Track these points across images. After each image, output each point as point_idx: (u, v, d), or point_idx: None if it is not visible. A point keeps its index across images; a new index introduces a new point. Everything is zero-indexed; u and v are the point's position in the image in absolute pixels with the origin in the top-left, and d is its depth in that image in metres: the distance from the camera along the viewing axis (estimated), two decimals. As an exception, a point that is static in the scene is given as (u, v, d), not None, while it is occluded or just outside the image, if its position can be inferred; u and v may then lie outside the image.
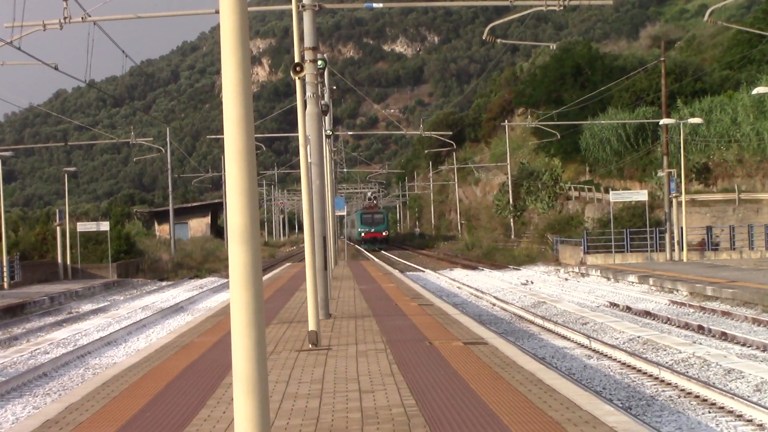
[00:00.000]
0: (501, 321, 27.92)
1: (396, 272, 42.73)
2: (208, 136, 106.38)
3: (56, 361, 22.29)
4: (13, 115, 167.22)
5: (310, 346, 16.83)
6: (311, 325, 16.92)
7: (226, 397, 12.03)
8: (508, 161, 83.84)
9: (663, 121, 49.38)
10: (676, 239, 49.08)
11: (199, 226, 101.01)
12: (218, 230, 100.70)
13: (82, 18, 21.82)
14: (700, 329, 23.66)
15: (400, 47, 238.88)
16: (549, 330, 25.25)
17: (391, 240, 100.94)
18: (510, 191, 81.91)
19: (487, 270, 54.09)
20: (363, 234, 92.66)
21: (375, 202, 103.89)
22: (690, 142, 60.98)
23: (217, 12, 5.07)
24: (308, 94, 20.28)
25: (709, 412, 14.30)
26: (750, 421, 13.41)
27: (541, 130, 76.25)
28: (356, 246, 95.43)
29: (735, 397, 14.45)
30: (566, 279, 45.06)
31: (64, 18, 21.42)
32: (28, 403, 17.41)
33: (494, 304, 33.51)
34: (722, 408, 14.33)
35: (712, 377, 16.94)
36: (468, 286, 42.04)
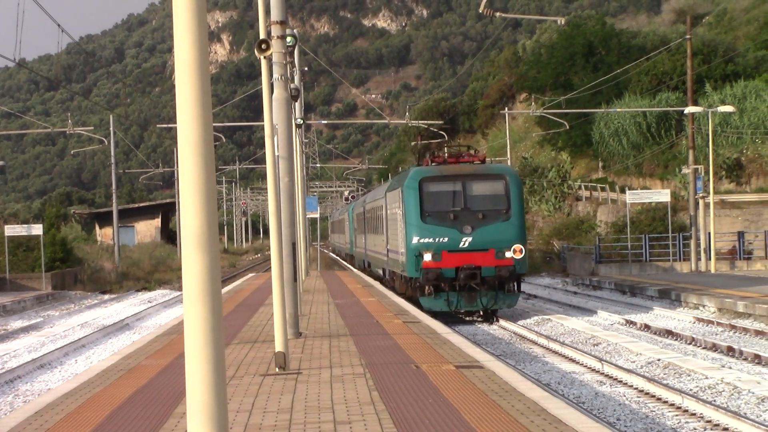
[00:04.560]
0: (499, 341, 28.20)
1: (377, 284, 43.04)
2: (158, 125, 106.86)
3: None
4: None
5: (277, 369, 17.01)
6: (278, 346, 17.05)
7: (179, 429, 12.18)
8: (509, 155, 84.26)
9: (689, 110, 49.82)
10: (702, 247, 49.51)
11: (147, 230, 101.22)
12: (170, 235, 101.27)
13: None
14: (730, 351, 23.95)
15: (382, 22, 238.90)
16: (555, 352, 25.53)
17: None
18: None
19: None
20: (428, 257, 31.34)
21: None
22: (720, 133, 61.54)
23: None
24: (275, 76, 20.44)
25: (739, 447, 14.48)
26: (786, 457, 13.58)
27: (547, 119, 76.72)
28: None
29: (769, 430, 14.64)
30: (575, 293, 45.39)
31: None
32: None
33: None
34: (754, 442, 14.52)
35: (743, 406, 17.19)
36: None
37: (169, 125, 73.03)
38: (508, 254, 29.52)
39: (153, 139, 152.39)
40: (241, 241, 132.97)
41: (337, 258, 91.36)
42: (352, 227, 66.22)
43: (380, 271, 45.68)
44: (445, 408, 13.14)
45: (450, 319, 31.70)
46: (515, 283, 30.86)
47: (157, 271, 71.67)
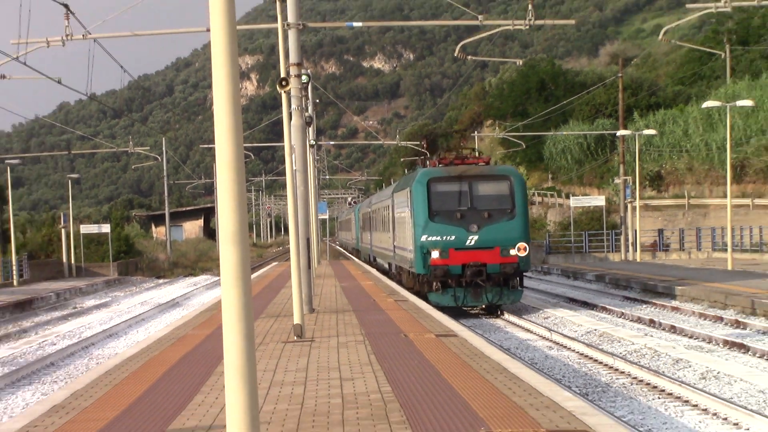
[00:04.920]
0: (469, 315, 28.06)
1: (374, 271, 42.67)
2: (200, 146, 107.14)
3: (62, 352, 22.37)
4: (20, 126, 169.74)
5: (295, 338, 16.77)
6: (296, 319, 16.89)
7: (219, 384, 12.06)
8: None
9: (620, 133, 49.82)
10: (630, 241, 49.46)
11: (192, 228, 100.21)
12: (210, 232, 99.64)
13: (83, 35, 21.83)
14: (652, 323, 23.90)
15: (378, 63, 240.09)
16: (513, 324, 25.42)
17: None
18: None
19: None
20: (436, 254, 26.22)
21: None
22: (644, 151, 61.50)
23: (208, 30, 5.04)
24: (293, 106, 20.19)
25: (659, 398, 14.50)
26: (696, 406, 13.61)
27: (508, 140, 76.64)
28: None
29: (683, 385, 14.66)
30: (530, 277, 45.38)
31: (66, 35, 21.47)
32: (37, 390, 17.49)
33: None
34: (671, 394, 14.53)
35: (662, 366, 17.15)
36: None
37: (209, 145, 72.58)
38: (513, 252, 25.33)
39: (196, 156, 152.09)
40: (267, 237, 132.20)
41: (343, 251, 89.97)
42: (358, 225, 62.53)
43: (386, 265, 40.17)
44: (427, 367, 13.05)
45: (455, 312, 26.44)
46: (519, 280, 26.43)
47: (200, 260, 70.86)
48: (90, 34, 22.17)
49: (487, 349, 14.92)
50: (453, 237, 25.53)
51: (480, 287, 25.48)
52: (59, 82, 27.04)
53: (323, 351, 15.26)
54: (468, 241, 25.44)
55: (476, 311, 28.40)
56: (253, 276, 40.67)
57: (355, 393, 11.25)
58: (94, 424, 9.95)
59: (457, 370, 12.75)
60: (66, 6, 20.22)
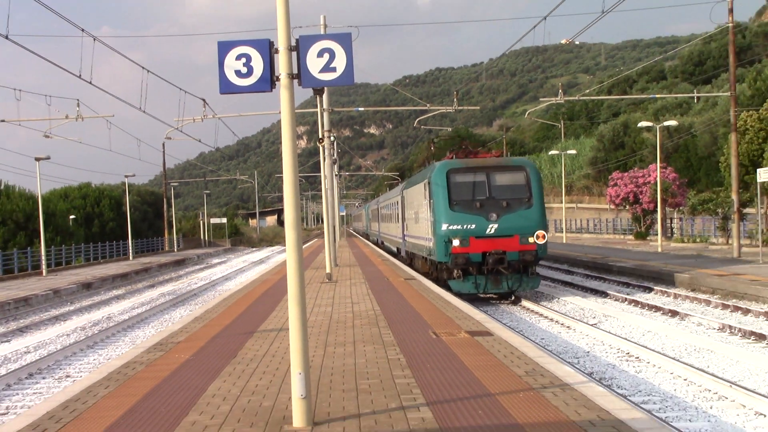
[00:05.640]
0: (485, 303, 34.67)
1: (372, 245, 58.93)
2: (275, 175, 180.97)
3: (200, 288, 36.77)
4: (177, 165, 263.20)
5: (327, 280, 26.46)
6: (327, 270, 27.12)
7: (285, 307, 18.78)
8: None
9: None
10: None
11: (271, 220, 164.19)
12: (281, 222, 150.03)
13: (213, 115, 35.64)
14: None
15: (372, 130, 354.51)
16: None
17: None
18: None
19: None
20: (456, 243, 25.72)
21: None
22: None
23: (279, 112, 8.64)
24: (326, 152, 31.84)
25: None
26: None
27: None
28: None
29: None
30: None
31: (204, 115, 34.74)
32: (186, 309, 27.78)
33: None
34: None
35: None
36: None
37: (279, 174, 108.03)
38: (531, 240, 24.90)
39: (273, 180, 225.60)
40: (312, 224, 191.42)
41: (354, 233, 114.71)
42: (367, 218, 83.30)
43: (394, 249, 45.64)
44: (399, 297, 20.24)
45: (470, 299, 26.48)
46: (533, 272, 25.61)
47: (276, 238, 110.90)
48: (216, 114, 36.16)
49: (432, 285, 23.09)
50: (473, 225, 25.09)
51: (500, 274, 25.05)
52: (199, 141, 44.22)
53: (342, 287, 23.48)
54: (488, 230, 25.00)
55: (495, 299, 27.17)
56: (303, 246, 54.14)
57: (360, 310, 17.87)
58: (217, 327, 16.16)
59: (416, 298, 19.95)
60: (203, 100, 33.84)
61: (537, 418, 7.87)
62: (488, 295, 27.69)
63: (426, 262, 29.51)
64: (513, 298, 26.23)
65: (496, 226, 24.97)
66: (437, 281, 27.01)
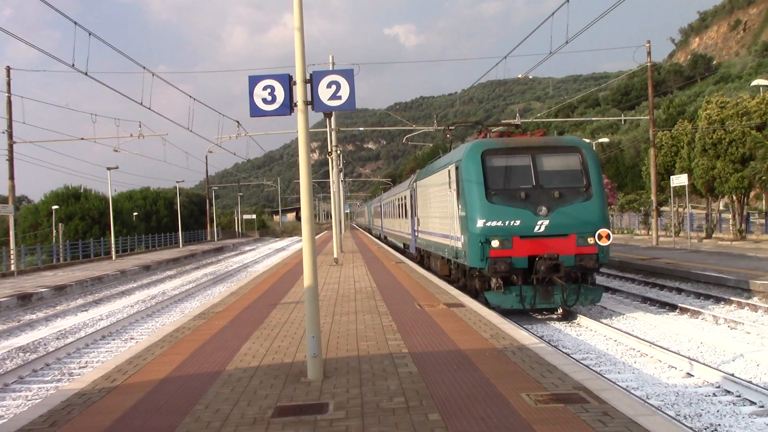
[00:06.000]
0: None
1: (371, 236, 56.55)
2: (294, 180, 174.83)
3: (235, 269, 36.54)
4: (217, 173, 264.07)
5: (334, 263, 26.11)
6: (335, 255, 27.22)
7: (301, 284, 18.21)
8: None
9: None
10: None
11: (291, 216, 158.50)
12: (299, 218, 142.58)
13: (245, 134, 35.16)
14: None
15: (371, 145, 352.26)
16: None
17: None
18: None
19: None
20: (495, 244, 15.46)
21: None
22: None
23: (296, 131, 8.91)
24: (334, 163, 31.68)
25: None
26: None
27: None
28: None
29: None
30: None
31: (238, 134, 34.44)
32: (223, 286, 26.93)
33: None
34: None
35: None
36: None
37: (297, 181, 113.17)
38: (592, 240, 15.39)
39: (292, 185, 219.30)
40: (322, 219, 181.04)
41: (357, 227, 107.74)
42: (370, 214, 72.06)
43: (400, 244, 33.88)
44: (391, 276, 19.45)
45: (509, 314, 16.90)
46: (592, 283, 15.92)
47: (294, 231, 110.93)
48: (248, 133, 35.51)
49: (418, 269, 21.45)
50: (518, 222, 15.53)
51: (552, 284, 15.45)
52: (234, 154, 56.42)
53: (347, 269, 22.58)
54: (537, 227, 15.48)
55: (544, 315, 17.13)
56: (315, 237, 52.11)
57: (361, 288, 17.20)
58: (248, 300, 15.88)
59: (406, 277, 19.08)
60: (237, 122, 34.84)
61: (499, 369, 7.96)
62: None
63: (449, 265, 19.41)
64: (561, 311, 16.64)
65: (547, 222, 15.51)
66: (465, 290, 17.30)
